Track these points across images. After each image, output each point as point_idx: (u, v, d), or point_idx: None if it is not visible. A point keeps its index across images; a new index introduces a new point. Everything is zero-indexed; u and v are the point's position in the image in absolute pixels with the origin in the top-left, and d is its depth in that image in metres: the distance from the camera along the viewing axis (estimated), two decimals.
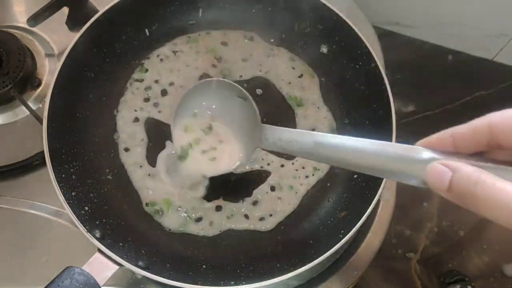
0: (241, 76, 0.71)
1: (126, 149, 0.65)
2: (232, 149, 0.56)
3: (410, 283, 0.98)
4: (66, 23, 0.74)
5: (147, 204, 0.62)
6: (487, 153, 0.35)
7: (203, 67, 0.71)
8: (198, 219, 0.62)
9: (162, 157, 0.63)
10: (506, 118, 0.32)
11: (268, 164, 0.65)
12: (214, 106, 0.58)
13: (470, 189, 0.31)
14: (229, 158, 0.56)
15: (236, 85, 0.54)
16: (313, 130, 0.67)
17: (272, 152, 0.65)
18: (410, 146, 0.37)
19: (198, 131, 0.58)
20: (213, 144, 0.57)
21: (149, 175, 0.64)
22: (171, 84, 0.70)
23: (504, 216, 0.29)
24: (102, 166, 0.64)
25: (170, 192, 0.63)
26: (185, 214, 0.62)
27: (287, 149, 0.46)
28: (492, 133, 0.33)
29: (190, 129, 0.57)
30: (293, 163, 0.65)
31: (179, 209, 0.62)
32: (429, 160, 0.34)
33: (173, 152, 0.61)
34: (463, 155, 0.34)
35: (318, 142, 0.42)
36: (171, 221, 0.61)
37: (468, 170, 0.32)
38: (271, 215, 0.62)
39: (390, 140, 0.57)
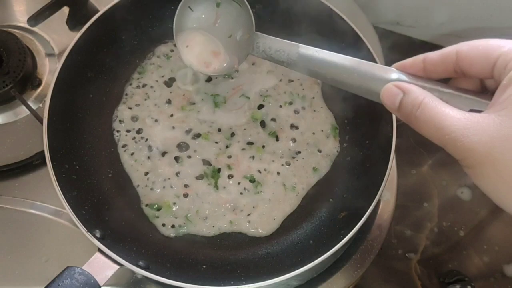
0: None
1: (126, 149, 0.65)
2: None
3: (410, 283, 0.98)
4: (67, 23, 0.74)
5: (146, 205, 0.62)
6: (454, 81, 0.37)
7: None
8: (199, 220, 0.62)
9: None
10: (472, 47, 0.35)
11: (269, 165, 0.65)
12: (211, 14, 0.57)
13: (414, 110, 0.34)
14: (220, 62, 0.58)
15: None
16: (314, 131, 0.68)
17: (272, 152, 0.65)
18: (384, 66, 0.39)
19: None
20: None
21: (149, 174, 0.64)
22: (172, 83, 0.70)
23: (436, 136, 0.32)
24: (102, 166, 0.64)
25: (170, 193, 0.63)
26: (185, 215, 0.62)
27: (275, 58, 0.49)
28: (459, 61, 0.35)
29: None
30: (293, 163, 0.65)
31: (177, 210, 0.62)
32: (395, 81, 0.37)
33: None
34: (429, 81, 0.37)
35: (302, 54, 0.46)
36: (168, 224, 0.61)
37: (416, 93, 0.34)
38: (273, 217, 0.62)
39: (391, 138, 0.57)
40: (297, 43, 0.46)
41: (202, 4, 0.56)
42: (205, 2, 0.56)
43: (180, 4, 0.55)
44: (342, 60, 0.42)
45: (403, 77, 0.38)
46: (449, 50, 0.36)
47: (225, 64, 0.57)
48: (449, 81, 0.38)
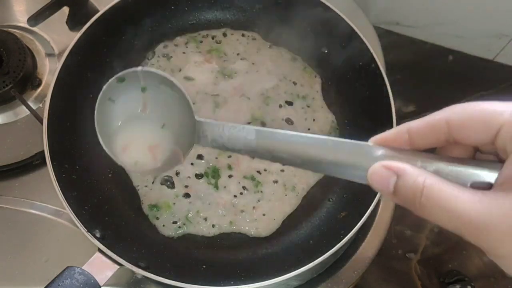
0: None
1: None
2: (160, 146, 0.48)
3: (410, 283, 0.98)
4: (67, 22, 0.74)
5: (147, 205, 0.62)
6: (443, 149, 0.33)
7: (204, 67, 0.71)
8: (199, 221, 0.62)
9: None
10: (465, 115, 0.30)
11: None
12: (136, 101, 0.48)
13: (417, 197, 0.29)
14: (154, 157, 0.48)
15: (159, 71, 0.45)
16: (314, 132, 0.68)
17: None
18: (362, 143, 0.34)
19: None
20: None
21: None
22: None
23: (451, 226, 0.28)
24: (102, 166, 0.64)
25: (170, 193, 0.63)
26: (184, 217, 0.62)
27: (229, 148, 0.41)
28: (452, 131, 0.31)
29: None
30: None
31: (177, 210, 0.62)
32: (379, 159, 0.32)
33: None
34: (417, 153, 0.32)
35: (261, 139, 0.39)
36: (168, 225, 0.61)
37: (413, 174, 0.29)
38: (272, 217, 0.62)
39: None
40: (253, 127, 0.39)
41: (124, 92, 0.46)
42: (128, 89, 0.46)
43: (98, 99, 0.46)
44: (312, 141, 0.36)
45: (388, 152, 0.32)
46: (437, 119, 0.31)
47: (165, 158, 0.47)
48: (436, 149, 0.33)
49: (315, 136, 0.36)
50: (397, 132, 0.33)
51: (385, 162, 0.31)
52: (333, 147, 0.35)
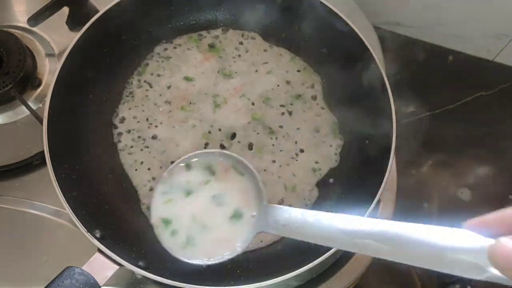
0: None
1: (126, 149, 0.65)
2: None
3: (410, 284, 0.98)
4: (67, 23, 0.74)
5: (146, 206, 0.62)
6: None
7: (204, 67, 0.71)
8: None
9: None
10: None
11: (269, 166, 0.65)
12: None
13: None
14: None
15: (242, 159, 0.45)
16: (314, 132, 0.67)
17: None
18: (457, 230, 0.31)
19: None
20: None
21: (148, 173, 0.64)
22: (172, 83, 0.70)
23: None
24: (102, 166, 0.64)
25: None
26: None
27: (304, 235, 0.37)
28: None
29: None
30: (293, 164, 0.65)
31: None
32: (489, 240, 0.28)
33: None
34: None
35: (348, 230, 0.34)
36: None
37: None
38: None
39: (390, 142, 0.57)
40: (339, 214, 0.35)
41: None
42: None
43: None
44: (414, 232, 0.32)
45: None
46: None
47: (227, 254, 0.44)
48: None
49: (416, 227, 0.33)
50: (498, 215, 0.29)
51: (504, 238, 0.27)
52: (426, 231, 0.31)
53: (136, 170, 0.64)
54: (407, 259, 0.32)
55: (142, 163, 0.64)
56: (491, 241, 0.27)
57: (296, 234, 0.38)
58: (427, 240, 0.31)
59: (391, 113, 0.59)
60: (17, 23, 0.79)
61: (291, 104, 0.69)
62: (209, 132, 0.66)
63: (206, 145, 0.65)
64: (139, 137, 0.66)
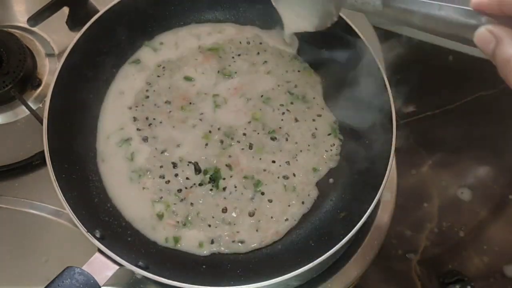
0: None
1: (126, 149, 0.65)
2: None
3: (410, 284, 0.98)
4: (67, 23, 0.74)
5: None
6: None
7: (204, 67, 0.71)
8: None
9: None
10: None
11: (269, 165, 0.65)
12: None
13: (506, 66, 0.32)
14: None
15: None
16: (314, 132, 0.68)
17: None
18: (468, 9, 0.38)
19: None
20: None
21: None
22: (172, 83, 0.70)
23: None
24: None
25: (171, 193, 0.63)
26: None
27: (363, 9, 0.50)
28: None
29: None
30: (293, 164, 0.65)
31: (177, 210, 0.62)
32: (484, 23, 0.36)
33: None
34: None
35: (386, 4, 0.46)
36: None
37: (507, 45, 0.33)
38: (272, 217, 0.62)
39: (390, 142, 0.58)
40: None
41: None
42: None
43: None
44: (426, 7, 0.42)
45: (491, 20, 0.36)
46: None
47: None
48: None
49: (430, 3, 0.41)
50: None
51: (489, 26, 0.35)
52: (443, 13, 0.40)
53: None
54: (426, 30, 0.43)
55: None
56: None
57: (360, 10, 0.51)
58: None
59: (391, 113, 0.59)
60: (17, 23, 0.79)
61: (291, 104, 0.69)
62: (209, 132, 0.66)
63: (206, 145, 0.65)
64: (139, 137, 0.66)
